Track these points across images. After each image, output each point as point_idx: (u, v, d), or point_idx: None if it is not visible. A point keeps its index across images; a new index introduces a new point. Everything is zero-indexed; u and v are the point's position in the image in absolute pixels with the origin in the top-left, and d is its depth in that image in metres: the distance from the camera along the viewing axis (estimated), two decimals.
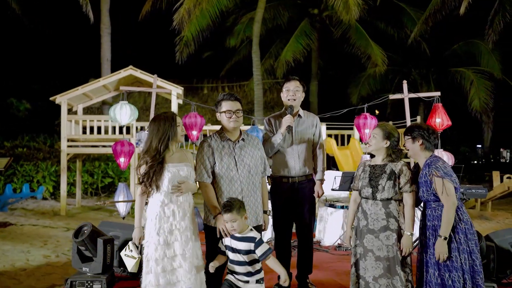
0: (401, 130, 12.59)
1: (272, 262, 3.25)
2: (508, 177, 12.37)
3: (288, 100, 4.19)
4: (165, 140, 3.37)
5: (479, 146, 30.50)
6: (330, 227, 6.49)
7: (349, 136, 12.52)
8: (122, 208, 7.17)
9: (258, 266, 3.28)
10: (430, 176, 3.34)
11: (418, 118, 12.32)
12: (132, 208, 9.46)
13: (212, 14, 14.42)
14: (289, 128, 4.07)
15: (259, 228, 3.64)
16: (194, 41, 14.57)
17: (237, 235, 3.25)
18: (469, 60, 18.63)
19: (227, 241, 3.30)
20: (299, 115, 4.26)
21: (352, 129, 12.41)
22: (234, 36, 17.87)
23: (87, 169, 13.65)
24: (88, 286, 4.18)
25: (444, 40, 19.34)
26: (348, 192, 6.74)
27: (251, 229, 3.29)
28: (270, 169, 3.91)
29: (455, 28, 18.84)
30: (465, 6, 11.64)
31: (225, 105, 3.58)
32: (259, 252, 3.19)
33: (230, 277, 3.32)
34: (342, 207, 6.38)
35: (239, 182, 3.55)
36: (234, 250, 3.27)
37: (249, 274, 3.26)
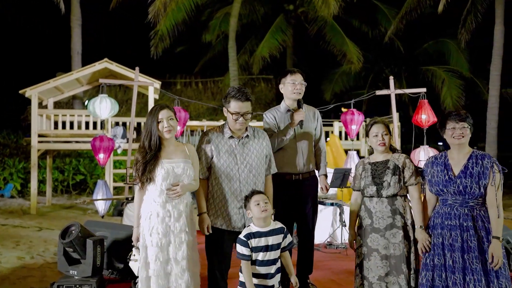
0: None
1: (288, 257, 3.12)
2: None
3: (294, 93, 3.99)
4: (149, 136, 3.18)
5: (440, 143, 31.17)
6: (319, 225, 6.32)
7: (327, 133, 12.50)
8: (101, 206, 6.85)
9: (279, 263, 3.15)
10: (490, 167, 3.08)
11: (397, 115, 12.37)
12: (111, 206, 9.12)
13: (188, 8, 14.19)
14: (301, 123, 3.88)
15: None
16: (169, 35, 14.30)
17: (266, 229, 3.05)
18: (439, 59, 18.98)
19: (256, 241, 3.03)
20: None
21: (331, 125, 12.41)
22: (209, 31, 17.63)
23: (57, 166, 13.15)
24: None
25: (416, 39, 19.64)
26: (337, 189, 6.66)
27: (276, 221, 3.15)
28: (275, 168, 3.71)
29: (426, 27, 19.17)
30: (443, 4, 11.79)
31: (234, 106, 3.32)
32: (287, 241, 3.06)
33: (256, 280, 3.02)
34: (332, 204, 6.28)
35: (238, 182, 3.36)
36: (268, 248, 3.03)
37: (276, 271, 3.08)
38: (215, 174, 3.38)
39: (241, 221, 3.37)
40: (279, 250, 3.06)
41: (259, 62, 15.86)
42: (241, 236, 3.07)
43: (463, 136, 3.17)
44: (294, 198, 3.97)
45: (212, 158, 3.39)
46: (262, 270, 3.01)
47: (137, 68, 6.94)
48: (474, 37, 16.58)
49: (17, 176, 12.48)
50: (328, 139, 11.60)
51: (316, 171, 4.20)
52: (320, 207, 6.40)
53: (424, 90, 7.01)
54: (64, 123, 10.65)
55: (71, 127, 10.66)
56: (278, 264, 3.07)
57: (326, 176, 4.18)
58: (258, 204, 3.03)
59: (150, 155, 3.17)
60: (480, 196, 3.11)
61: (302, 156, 4.00)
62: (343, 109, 8.56)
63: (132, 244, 3.31)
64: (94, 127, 10.78)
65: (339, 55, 16.72)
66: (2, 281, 5.37)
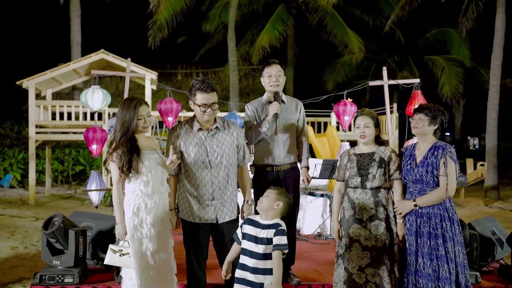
0: (380, 117, 12.64)
1: (277, 259, 2.85)
2: (482, 165, 12.57)
3: (271, 86, 3.98)
4: (125, 130, 3.16)
5: (448, 134, 31.07)
6: (309, 216, 6.38)
7: (325, 124, 12.47)
8: (95, 197, 6.90)
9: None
10: (442, 157, 3.23)
11: (395, 106, 12.34)
12: (105, 196, 9.17)
13: None
14: (276, 116, 3.87)
15: (237, 221, 3.45)
16: (167, 25, 14.24)
17: (264, 222, 2.95)
18: (441, 48, 18.85)
19: (249, 229, 2.96)
20: (282, 101, 4.07)
21: (329, 116, 12.37)
22: (209, 21, 17.53)
23: (57, 157, 13.24)
24: (59, 280, 3.95)
25: (418, 28, 19.48)
26: (327, 180, 6.65)
27: (280, 220, 2.99)
28: (251, 157, 3.72)
29: (428, 16, 18.99)
30: None
31: (200, 98, 3.27)
32: (276, 240, 2.85)
33: (241, 273, 2.93)
34: (322, 195, 6.30)
35: (209, 174, 3.34)
36: (258, 240, 2.91)
37: (265, 271, 2.88)
38: (186, 168, 3.37)
39: (213, 213, 3.35)
40: (269, 246, 2.88)
41: (258, 53, 15.75)
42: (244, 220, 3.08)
43: (417, 127, 3.37)
44: None
45: (182, 153, 3.37)
46: (247, 261, 2.91)
47: (128, 59, 6.90)
48: (478, 26, 16.43)
49: (17, 166, 12.57)
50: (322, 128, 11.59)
51: (299, 163, 4.19)
52: (310, 198, 6.47)
53: (417, 80, 6.91)
54: (62, 114, 10.71)
55: (69, 118, 10.71)
56: (269, 265, 2.88)
57: (308, 168, 4.16)
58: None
59: (132, 149, 3.16)
60: (437, 185, 3.27)
61: (282, 148, 4.00)
62: (349, 99, 8.46)
63: (118, 239, 3.27)
64: (92, 118, 10.81)
65: (341, 45, 16.62)
66: None
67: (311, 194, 6.39)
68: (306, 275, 4.40)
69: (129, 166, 3.13)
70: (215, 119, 3.45)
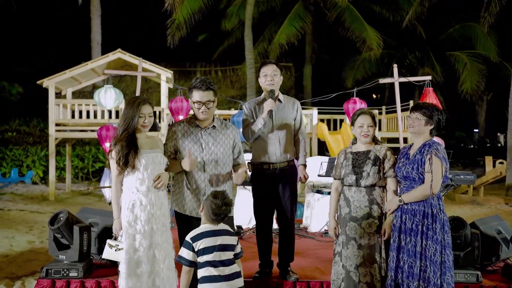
0: (393, 115, 12.46)
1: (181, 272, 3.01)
2: (501, 162, 12.32)
3: (267, 85, 4.06)
4: (126, 126, 3.26)
5: (476, 130, 30.49)
6: (317, 214, 6.40)
7: (341, 121, 12.42)
8: (108, 193, 7.09)
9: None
10: (427, 154, 3.20)
11: (411, 103, 12.19)
12: None
13: None
14: (271, 113, 3.95)
15: (231, 220, 3.51)
16: (186, 24, 14.40)
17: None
18: (465, 44, 18.50)
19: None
20: (279, 100, 4.14)
21: (344, 113, 12.30)
22: (227, 19, 17.63)
23: (78, 154, 13.56)
24: (64, 274, 4.08)
25: (440, 24, 19.15)
26: None
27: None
28: (244, 159, 3.81)
29: (451, 11, 18.63)
30: None
31: (196, 95, 3.45)
32: None
33: None
34: (329, 193, 6.29)
35: (202, 170, 3.46)
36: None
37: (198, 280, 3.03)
38: None
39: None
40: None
41: (276, 50, 15.78)
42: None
43: (413, 126, 3.33)
44: (273, 187, 4.05)
45: (177, 149, 3.50)
46: None
47: (140, 58, 7.07)
48: (504, 21, 16.03)
49: (39, 163, 12.94)
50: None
51: (296, 161, 4.23)
52: (317, 196, 6.49)
53: (429, 78, 6.82)
54: (81, 112, 10.96)
55: (88, 116, 10.96)
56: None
57: (305, 166, 4.20)
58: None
59: (130, 145, 3.25)
60: (423, 182, 3.24)
61: (279, 146, 4.05)
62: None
63: (113, 234, 3.39)
64: (110, 116, 11.04)
65: (359, 42, 16.50)
66: (10, 263, 5.66)
67: (319, 192, 6.41)
68: (307, 272, 4.42)
69: (126, 160, 3.22)
70: (214, 118, 3.57)
